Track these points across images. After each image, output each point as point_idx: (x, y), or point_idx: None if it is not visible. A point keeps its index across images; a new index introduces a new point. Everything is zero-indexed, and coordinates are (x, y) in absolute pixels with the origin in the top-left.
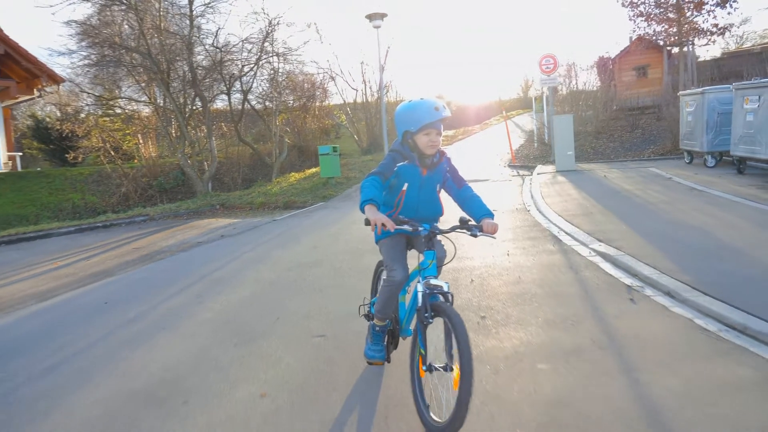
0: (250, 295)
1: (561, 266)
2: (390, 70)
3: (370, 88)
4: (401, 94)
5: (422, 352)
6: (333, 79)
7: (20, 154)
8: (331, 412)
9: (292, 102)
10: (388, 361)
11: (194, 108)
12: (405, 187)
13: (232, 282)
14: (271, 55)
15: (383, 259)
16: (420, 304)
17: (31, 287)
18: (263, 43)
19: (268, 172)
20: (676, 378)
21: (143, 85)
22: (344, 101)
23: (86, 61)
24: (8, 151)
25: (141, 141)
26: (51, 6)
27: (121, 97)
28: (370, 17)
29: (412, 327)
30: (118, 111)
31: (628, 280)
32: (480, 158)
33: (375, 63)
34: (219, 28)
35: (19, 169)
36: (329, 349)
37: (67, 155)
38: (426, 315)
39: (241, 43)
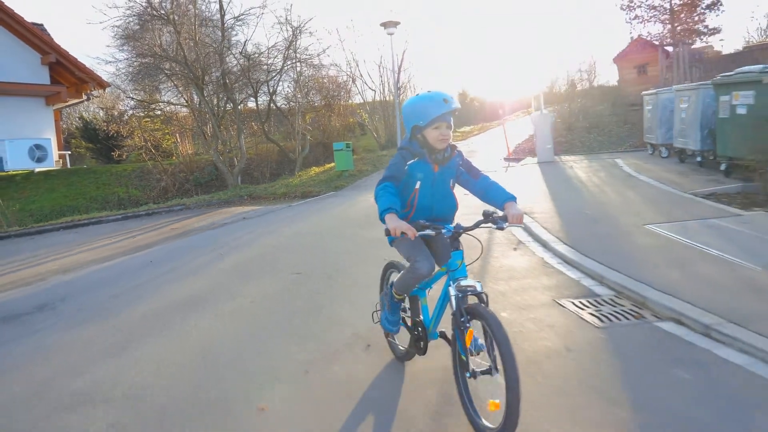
0: (257, 254)
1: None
2: (408, 69)
3: (389, 88)
4: (419, 91)
5: (463, 358)
6: (354, 81)
7: (69, 152)
8: (292, 311)
9: (318, 101)
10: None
11: (226, 109)
12: (418, 186)
13: (246, 247)
14: (294, 61)
15: (405, 255)
16: (455, 308)
17: (92, 256)
18: (287, 50)
19: (292, 167)
20: (507, 284)
21: (180, 89)
22: (364, 101)
23: (130, 69)
24: (58, 149)
25: (179, 140)
26: (100, 22)
27: (161, 101)
28: (385, 25)
29: (438, 330)
30: (158, 113)
31: (523, 238)
32: (486, 151)
33: (391, 64)
34: (246, 40)
35: (69, 166)
36: (301, 279)
37: (112, 153)
38: (462, 320)
39: (267, 51)
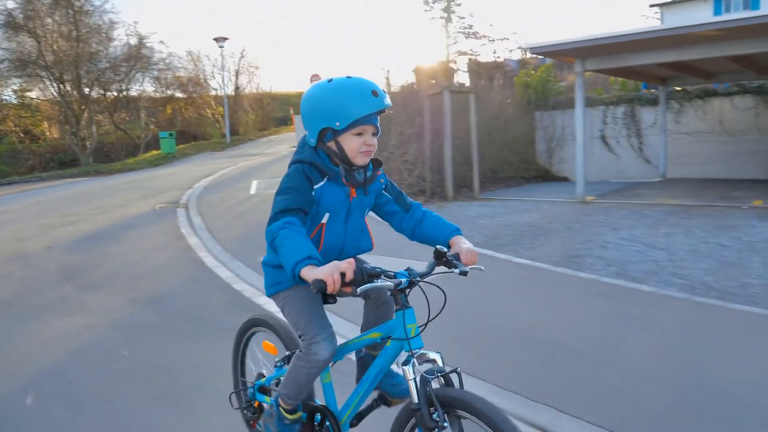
0: (64, 195)
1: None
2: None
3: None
4: (269, 86)
5: None
6: (205, 80)
7: None
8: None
9: (181, 95)
10: None
11: (83, 104)
12: (325, 219)
13: (62, 190)
14: (138, 68)
15: (299, 326)
16: (418, 399)
17: None
18: (132, 58)
19: (146, 149)
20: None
21: (42, 85)
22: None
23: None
24: None
25: (47, 126)
26: None
27: (28, 91)
28: (217, 40)
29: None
30: (27, 102)
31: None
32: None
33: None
34: (99, 50)
35: None
36: None
37: None
38: (435, 417)
39: (115, 59)
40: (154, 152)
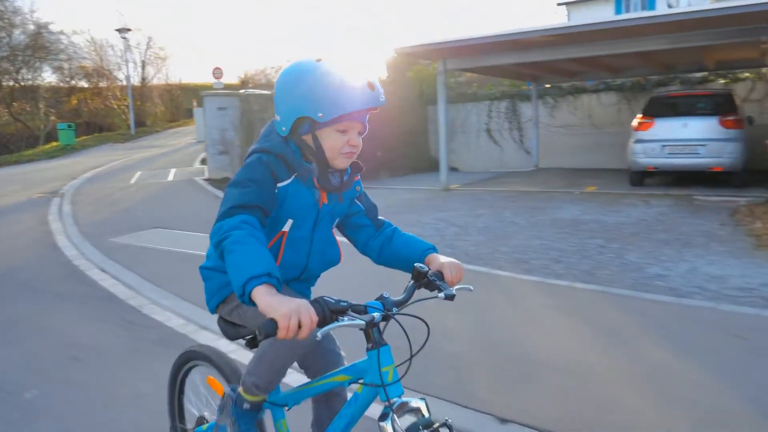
0: None
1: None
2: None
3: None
4: (178, 77)
5: None
6: (111, 72)
7: None
8: None
9: (83, 84)
10: None
11: None
12: (287, 227)
13: None
14: (37, 57)
15: (258, 368)
16: None
17: None
18: (29, 48)
19: (46, 140)
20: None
21: None
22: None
23: None
24: None
25: None
26: None
27: None
28: (120, 31)
29: None
30: None
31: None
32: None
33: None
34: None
35: None
36: None
37: None
38: None
39: (11, 49)
40: (54, 144)
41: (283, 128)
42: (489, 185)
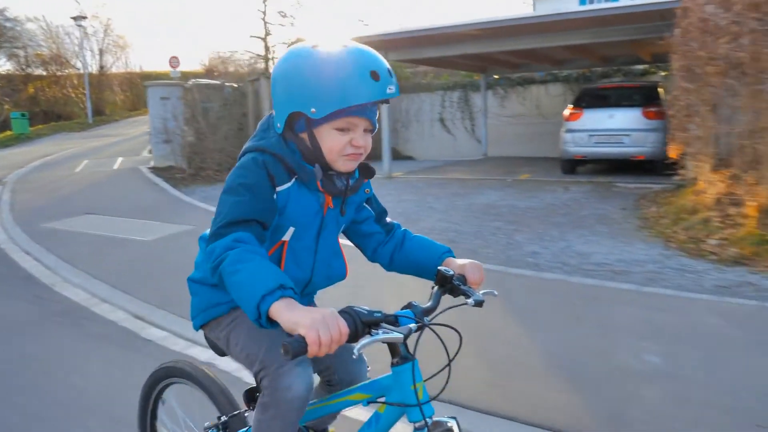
0: None
1: None
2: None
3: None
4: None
5: None
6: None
7: None
8: None
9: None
10: None
11: None
12: (288, 236)
13: None
14: None
15: (249, 353)
16: None
17: None
18: None
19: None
20: None
21: None
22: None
23: None
24: None
25: None
26: None
27: None
28: (75, 18)
29: None
30: None
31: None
32: None
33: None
34: None
35: None
36: None
37: None
38: None
39: None
40: (9, 133)
41: (278, 125)
42: (431, 173)
